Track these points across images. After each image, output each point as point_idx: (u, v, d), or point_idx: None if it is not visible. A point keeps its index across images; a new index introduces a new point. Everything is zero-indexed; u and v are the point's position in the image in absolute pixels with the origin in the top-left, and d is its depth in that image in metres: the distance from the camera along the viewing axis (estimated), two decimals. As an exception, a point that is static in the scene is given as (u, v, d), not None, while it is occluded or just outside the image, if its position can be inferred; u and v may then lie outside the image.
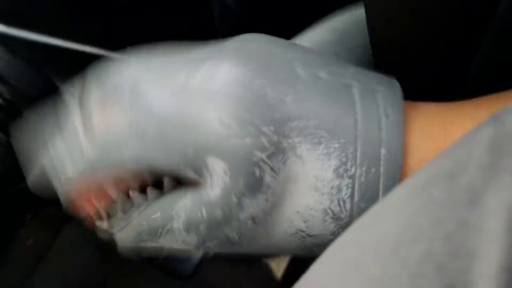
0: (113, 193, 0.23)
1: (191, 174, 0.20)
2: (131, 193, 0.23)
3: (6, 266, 0.34)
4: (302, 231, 0.21)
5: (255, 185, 0.20)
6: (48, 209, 0.36)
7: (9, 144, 0.32)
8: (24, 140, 0.26)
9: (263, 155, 0.20)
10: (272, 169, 0.20)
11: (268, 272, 0.52)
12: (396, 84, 0.22)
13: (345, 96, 0.20)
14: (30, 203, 0.34)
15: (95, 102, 0.22)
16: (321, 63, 0.22)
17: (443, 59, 0.24)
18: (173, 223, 0.21)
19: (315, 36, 0.29)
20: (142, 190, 0.23)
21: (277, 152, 0.20)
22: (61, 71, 0.52)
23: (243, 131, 0.20)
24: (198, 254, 0.35)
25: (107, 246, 0.25)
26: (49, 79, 0.38)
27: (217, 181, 0.20)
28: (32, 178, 0.26)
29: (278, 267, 0.53)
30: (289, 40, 0.24)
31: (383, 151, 0.20)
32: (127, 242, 0.24)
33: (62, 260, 0.35)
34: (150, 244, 0.23)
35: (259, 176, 0.20)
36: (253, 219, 0.20)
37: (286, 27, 0.27)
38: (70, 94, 0.24)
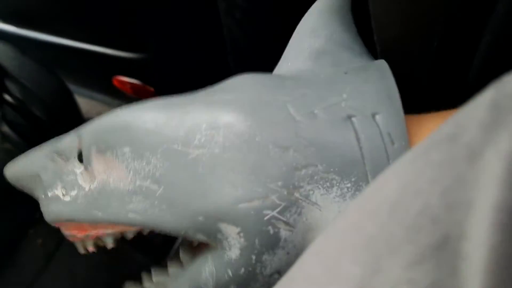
0: (109, 231, 0.22)
1: (200, 237, 0.20)
2: (132, 234, 0.22)
3: (16, 265, 0.34)
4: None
5: (271, 242, 0.20)
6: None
7: (19, 142, 0.32)
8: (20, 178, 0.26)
9: (274, 213, 0.19)
10: (286, 223, 0.20)
11: None
12: (395, 97, 0.21)
13: (346, 132, 0.20)
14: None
15: (94, 149, 0.22)
16: (313, 98, 0.21)
17: (443, 60, 0.24)
18: None
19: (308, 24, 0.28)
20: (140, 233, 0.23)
21: (290, 205, 0.20)
22: (71, 71, 0.52)
23: (250, 193, 0.19)
24: None
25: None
26: (58, 78, 0.38)
27: (234, 243, 0.20)
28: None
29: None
30: (276, 76, 0.23)
31: None
32: None
33: (71, 259, 0.35)
34: None
35: (273, 233, 0.19)
36: (279, 272, 0.20)
37: (292, 22, 0.27)
38: (70, 139, 0.24)
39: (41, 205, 0.24)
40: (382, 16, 0.24)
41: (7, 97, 0.34)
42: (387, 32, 0.24)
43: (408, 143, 0.20)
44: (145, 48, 0.47)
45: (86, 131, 0.23)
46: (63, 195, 0.23)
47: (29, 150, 0.26)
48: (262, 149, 0.20)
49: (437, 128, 0.19)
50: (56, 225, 0.24)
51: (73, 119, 0.40)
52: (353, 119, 0.20)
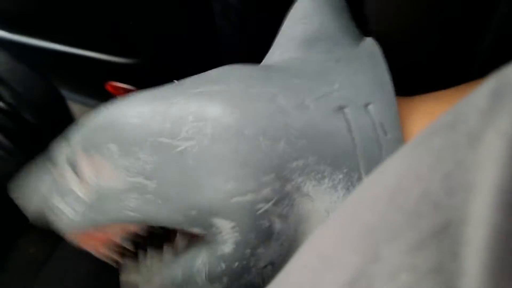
0: (121, 235, 0.22)
1: (196, 231, 0.20)
2: (142, 230, 0.22)
3: (7, 273, 0.34)
4: None
5: (266, 235, 0.19)
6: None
7: (12, 150, 0.31)
8: (21, 192, 0.26)
9: (268, 205, 0.19)
10: (280, 215, 0.19)
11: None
12: (387, 86, 0.20)
13: (338, 122, 0.20)
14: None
15: (80, 151, 0.22)
16: (304, 89, 0.21)
17: (446, 46, 0.24)
18: (197, 279, 0.21)
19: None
20: (150, 233, 0.23)
21: (282, 198, 0.19)
22: (63, 76, 0.52)
23: (244, 187, 0.19)
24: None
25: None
26: (51, 84, 0.38)
27: (228, 237, 0.20)
28: (32, 215, 0.25)
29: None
30: (265, 67, 0.23)
31: None
32: None
33: (63, 268, 0.35)
34: None
35: (267, 226, 0.19)
36: (272, 264, 0.20)
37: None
38: (59, 149, 0.23)
39: (58, 230, 0.24)
40: (378, 5, 0.24)
41: (-2, 103, 0.33)
42: (383, 21, 0.24)
43: (401, 134, 0.20)
44: (138, 53, 0.46)
45: (73, 135, 0.23)
46: (71, 214, 0.22)
47: (29, 172, 0.25)
48: (252, 141, 0.19)
49: (431, 111, 0.19)
50: (69, 239, 0.24)
51: (66, 124, 0.39)
52: (345, 109, 0.20)
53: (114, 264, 0.24)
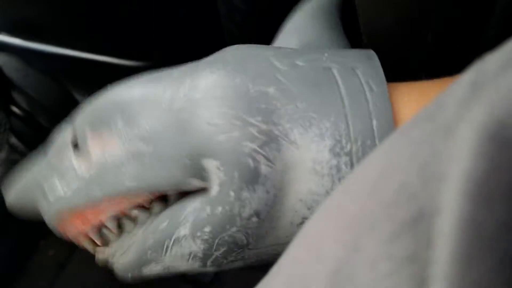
0: (110, 213, 0.22)
1: (196, 183, 0.20)
2: (134, 211, 0.22)
3: (27, 276, 0.34)
4: (308, 219, 0.20)
5: (251, 177, 0.19)
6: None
7: (27, 153, 0.32)
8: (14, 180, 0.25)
9: (254, 145, 0.19)
10: (267, 158, 0.19)
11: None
12: (374, 57, 0.21)
13: (326, 78, 0.20)
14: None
15: (88, 129, 0.22)
16: (296, 54, 0.22)
17: (439, 53, 0.24)
18: (181, 230, 0.20)
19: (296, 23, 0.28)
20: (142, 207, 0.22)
21: (269, 140, 0.19)
22: (76, 80, 0.53)
23: (229, 126, 0.19)
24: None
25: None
26: (64, 88, 0.38)
27: (213, 178, 0.20)
28: (11, 197, 0.25)
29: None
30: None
31: (374, 122, 0.20)
32: (128, 267, 0.22)
33: (81, 271, 0.35)
34: (154, 267, 0.22)
35: (253, 166, 0.19)
36: (257, 214, 0.20)
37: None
38: (62, 134, 0.24)
39: (44, 215, 0.24)
40: (369, 8, 0.24)
41: (14, 108, 0.34)
42: (375, 25, 0.24)
43: (387, 90, 0.20)
44: (149, 56, 0.47)
45: (78, 117, 0.23)
46: (65, 193, 0.22)
47: (20, 168, 0.25)
48: (242, 88, 0.20)
49: (414, 96, 0.19)
50: (61, 229, 0.24)
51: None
52: (333, 69, 0.21)
53: (92, 251, 0.24)
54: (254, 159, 0.19)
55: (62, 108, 0.37)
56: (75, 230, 0.23)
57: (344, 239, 0.11)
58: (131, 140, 0.21)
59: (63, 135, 0.24)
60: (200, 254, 0.21)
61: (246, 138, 0.19)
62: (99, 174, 0.21)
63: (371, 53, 0.22)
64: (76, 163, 0.22)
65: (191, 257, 0.21)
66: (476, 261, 0.08)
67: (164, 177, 0.20)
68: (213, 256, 0.21)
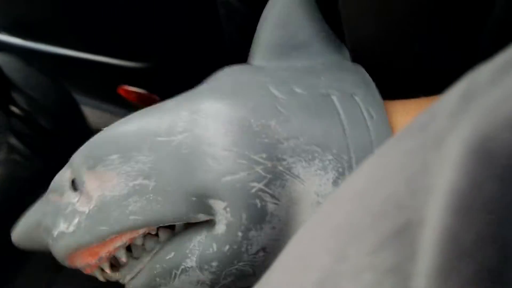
0: (118, 244, 0.22)
1: (202, 217, 0.20)
2: (141, 239, 0.22)
3: (27, 276, 0.34)
4: None
5: (259, 217, 0.19)
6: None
7: (27, 154, 0.32)
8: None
9: (260, 185, 0.19)
10: (272, 196, 0.19)
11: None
12: (370, 83, 0.21)
13: (326, 106, 0.20)
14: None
15: (85, 168, 0.22)
16: (292, 79, 0.21)
17: (428, 61, 0.24)
18: (187, 262, 0.20)
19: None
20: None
21: (275, 178, 0.19)
22: (76, 81, 0.53)
23: (235, 165, 0.19)
24: None
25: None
26: (64, 89, 0.38)
27: (221, 218, 0.19)
28: (18, 237, 0.25)
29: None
30: (255, 65, 0.23)
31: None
32: None
33: (80, 272, 0.35)
34: None
35: (260, 206, 0.19)
36: (264, 249, 0.20)
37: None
38: (61, 174, 0.23)
39: (51, 250, 0.24)
40: (354, 16, 0.24)
41: (14, 108, 0.34)
42: (360, 32, 0.24)
43: (387, 117, 0.20)
44: (149, 57, 0.47)
45: (74, 157, 0.23)
46: (66, 228, 0.22)
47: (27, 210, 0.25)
48: (244, 123, 0.20)
49: (412, 110, 0.19)
50: (70, 263, 0.23)
51: (80, 129, 0.40)
52: (333, 96, 0.21)
53: (102, 278, 0.24)
54: (261, 199, 0.19)
55: (62, 109, 0.37)
56: (84, 262, 0.23)
57: (331, 248, 0.11)
58: (130, 176, 0.21)
59: (61, 176, 0.23)
60: (208, 282, 0.21)
61: (252, 178, 0.19)
62: (101, 210, 0.21)
63: (367, 77, 0.22)
64: (75, 200, 0.22)
65: (199, 284, 0.21)
66: (456, 273, 0.08)
67: (170, 210, 0.20)
68: (221, 284, 0.21)
